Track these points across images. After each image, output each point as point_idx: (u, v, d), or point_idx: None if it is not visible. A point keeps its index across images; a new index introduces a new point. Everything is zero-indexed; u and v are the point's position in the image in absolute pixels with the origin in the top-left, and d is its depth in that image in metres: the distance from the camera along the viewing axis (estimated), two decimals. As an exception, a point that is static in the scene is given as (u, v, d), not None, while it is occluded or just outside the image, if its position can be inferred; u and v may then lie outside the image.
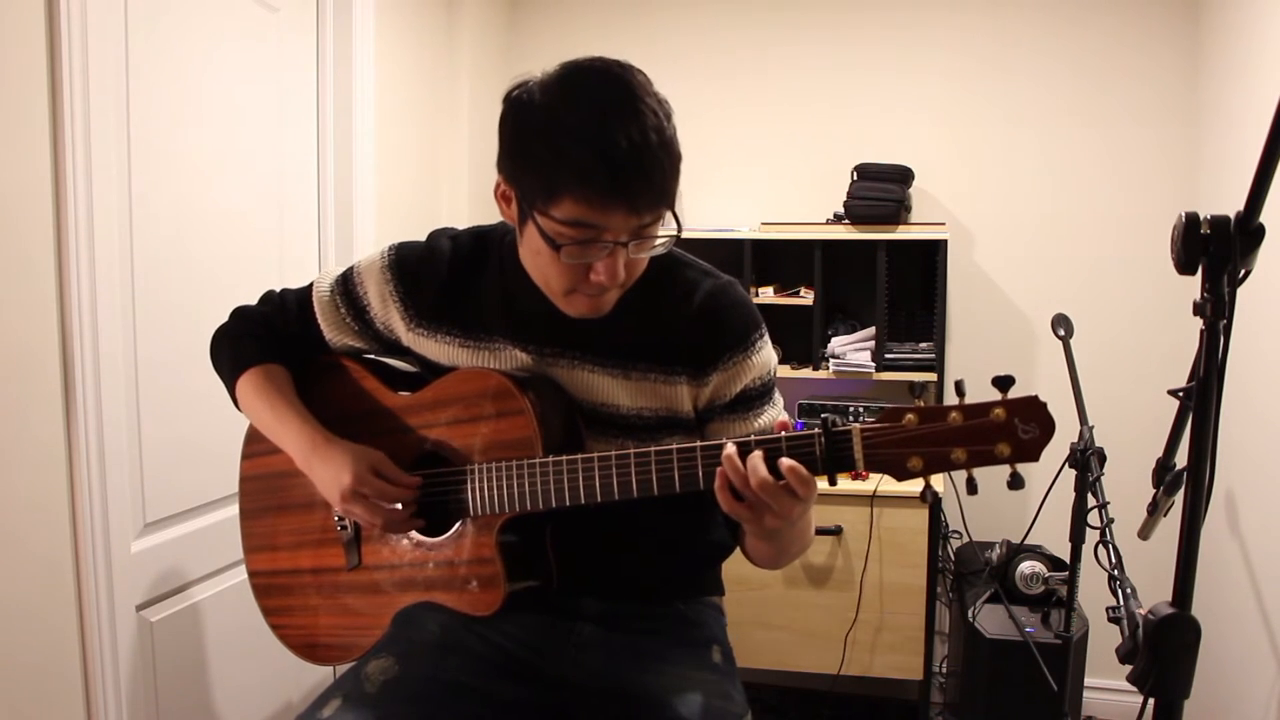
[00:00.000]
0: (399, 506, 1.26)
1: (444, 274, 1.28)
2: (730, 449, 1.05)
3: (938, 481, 2.67)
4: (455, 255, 1.29)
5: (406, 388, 1.34)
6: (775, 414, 1.30)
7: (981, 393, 1.01)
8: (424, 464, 1.29)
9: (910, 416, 1.00)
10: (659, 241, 1.12)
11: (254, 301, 1.42)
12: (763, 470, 1.03)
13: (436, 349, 1.29)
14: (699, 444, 1.09)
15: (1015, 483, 0.98)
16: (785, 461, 1.02)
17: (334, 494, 1.25)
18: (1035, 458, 0.97)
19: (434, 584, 1.28)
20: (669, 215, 1.12)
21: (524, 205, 1.12)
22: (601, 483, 1.14)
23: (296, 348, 1.38)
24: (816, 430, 1.04)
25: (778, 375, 1.31)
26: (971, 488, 1.02)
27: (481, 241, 1.30)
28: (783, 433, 1.06)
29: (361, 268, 1.33)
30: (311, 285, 1.37)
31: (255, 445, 1.45)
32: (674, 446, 1.11)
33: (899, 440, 1.01)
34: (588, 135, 1.03)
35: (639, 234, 1.09)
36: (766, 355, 1.27)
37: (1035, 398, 0.97)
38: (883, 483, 2.62)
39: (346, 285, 1.33)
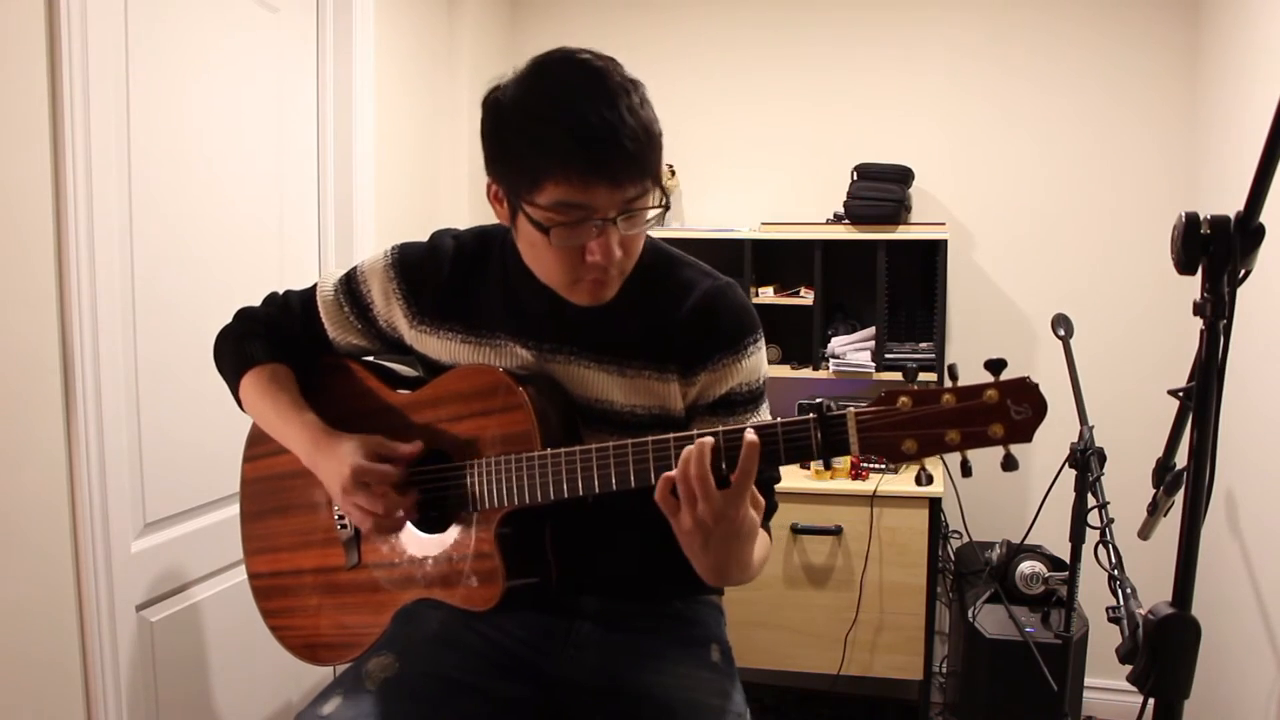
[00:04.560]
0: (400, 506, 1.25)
1: (447, 272, 1.29)
2: (707, 439, 1.04)
3: (936, 474, 2.67)
4: (458, 254, 1.30)
5: (407, 389, 1.34)
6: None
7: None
8: (424, 461, 1.29)
9: (904, 399, 1.01)
10: (650, 215, 1.13)
11: (256, 302, 1.43)
12: (707, 462, 1.03)
13: (439, 346, 1.30)
14: (694, 432, 1.08)
15: (1009, 464, 0.99)
16: (749, 436, 1.03)
17: (335, 486, 1.25)
18: (1028, 438, 0.98)
19: (433, 580, 1.28)
20: (655, 192, 1.13)
21: (512, 199, 1.14)
22: (600, 474, 1.14)
23: (300, 348, 1.38)
24: (811, 415, 1.04)
25: (779, 376, 1.30)
26: (966, 470, 1.02)
27: (484, 240, 1.31)
28: (778, 419, 1.07)
29: (365, 267, 1.33)
30: (315, 286, 1.38)
31: (257, 448, 1.46)
32: (670, 436, 1.10)
33: (893, 423, 1.01)
34: (559, 118, 1.05)
35: (626, 208, 1.10)
36: (757, 361, 1.27)
37: (1027, 379, 0.98)
38: (883, 483, 2.62)
39: (350, 285, 1.34)
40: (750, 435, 1.03)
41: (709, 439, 1.05)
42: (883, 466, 2.72)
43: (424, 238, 1.34)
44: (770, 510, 1.29)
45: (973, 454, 1.01)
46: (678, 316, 1.24)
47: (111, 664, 1.67)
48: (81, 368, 1.60)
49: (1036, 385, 0.98)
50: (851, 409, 1.03)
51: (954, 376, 1.01)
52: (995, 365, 0.99)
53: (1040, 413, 0.98)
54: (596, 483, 1.14)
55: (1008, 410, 0.97)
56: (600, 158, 1.05)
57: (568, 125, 1.05)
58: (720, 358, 1.24)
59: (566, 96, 1.07)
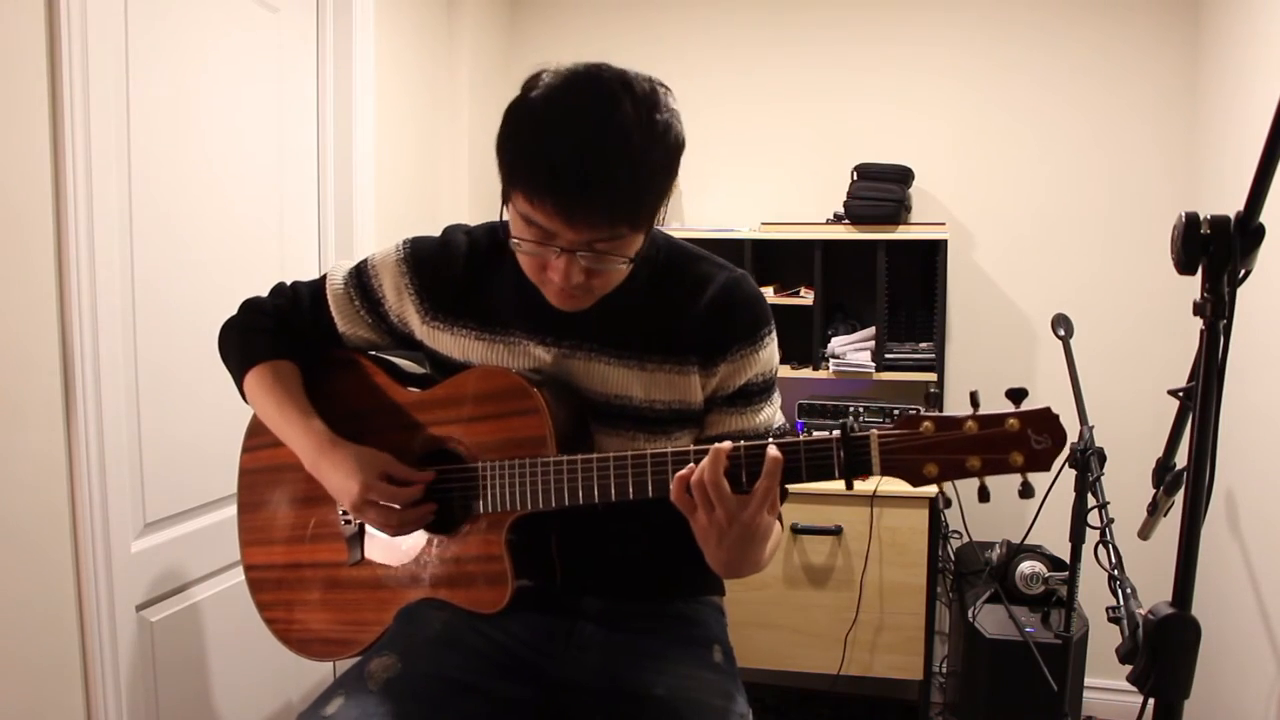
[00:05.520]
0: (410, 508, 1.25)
1: (459, 267, 1.28)
2: (726, 444, 1.06)
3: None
4: (471, 250, 1.29)
5: (416, 386, 1.34)
6: (772, 413, 1.31)
7: (986, 396, 1.03)
8: (434, 460, 1.29)
9: (927, 424, 1.03)
10: (619, 265, 1.12)
11: (263, 295, 1.41)
12: (722, 470, 1.05)
13: (452, 342, 1.29)
14: (714, 446, 1.08)
15: (1025, 492, 1.01)
16: (772, 452, 1.04)
17: (344, 501, 1.25)
18: (1047, 467, 1.00)
19: (439, 581, 1.28)
20: (632, 239, 1.11)
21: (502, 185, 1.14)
22: (618, 482, 1.14)
23: (307, 341, 1.37)
24: (835, 435, 1.05)
25: (779, 376, 1.32)
26: (983, 495, 1.04)
27: (496, 237, 1.30)
28: (801, 438, 1.08)
29: (376, 260, 1.33)
30: (324, 277, 1.37)
31: (256, 439, 1.45)
32: (690, 447, 1.11)
33: (916, 447, 1.03)
34: (546, 143, 1.04)
35: (591, 247, 1.09)
36: (771, 352, 1.29)
37: (1048, 409, 1.00)
38: (883, 483, 2.62)
39: (361, 278, 1.33)
40: (773, 450, 1.04)
41: (727, 444, 1.06)
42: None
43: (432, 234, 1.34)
44: (782, 496, 1.30)
45: (989, 479, 1.03)
46: (696, 309, 1.25)
47: (111, 664, 1.67)
48: (81, 368, 1.60)
49: (1057, 416, 1.00)
50: (875, 430, 1.05)
51: (975, 404, 1.03)
52: (1016, 395, 1.01)
53: (1060, 443, 1.00)
54: (614, 491, 1.14)
55: (1028, 439, 1.00)
56: (564, 198, 1.04)
57: (550, 155, 1.03)
58: (739, 349, 1.25)
59: (565, 124, 1.04)
